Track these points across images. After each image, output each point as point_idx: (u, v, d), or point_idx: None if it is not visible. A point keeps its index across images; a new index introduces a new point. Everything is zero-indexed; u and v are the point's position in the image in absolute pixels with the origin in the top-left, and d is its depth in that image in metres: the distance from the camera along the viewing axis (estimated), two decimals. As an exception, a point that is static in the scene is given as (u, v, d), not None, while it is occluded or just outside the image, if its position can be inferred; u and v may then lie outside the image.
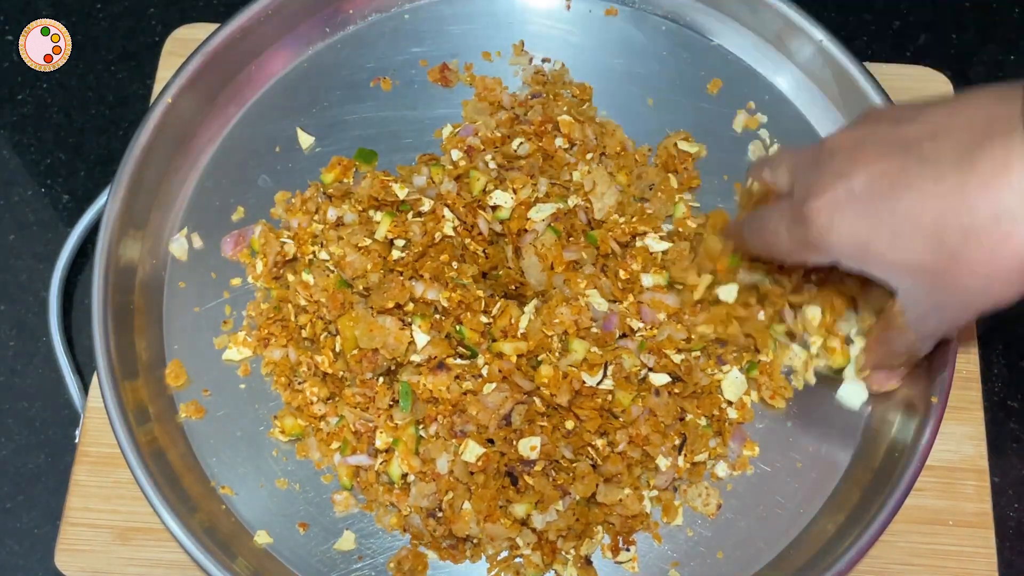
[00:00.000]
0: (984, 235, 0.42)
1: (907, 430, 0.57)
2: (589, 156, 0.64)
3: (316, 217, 0.62)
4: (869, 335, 0.57)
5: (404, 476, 0.56)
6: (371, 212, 0.62)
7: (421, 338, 0.56)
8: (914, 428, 0.57)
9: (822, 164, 0.48)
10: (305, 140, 0.66)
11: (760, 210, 0.54)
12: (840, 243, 0.47)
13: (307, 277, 0.60)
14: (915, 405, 0.58)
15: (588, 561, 0.56)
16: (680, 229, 0.63)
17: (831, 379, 0.60)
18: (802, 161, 0.51)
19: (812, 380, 0.60)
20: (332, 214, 0.62)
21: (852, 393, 0.60)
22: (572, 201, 0.62)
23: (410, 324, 0.57)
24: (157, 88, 0.69)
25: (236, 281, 0.63)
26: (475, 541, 0.56)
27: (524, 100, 0.67)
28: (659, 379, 0.58)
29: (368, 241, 0.59)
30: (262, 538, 0.57)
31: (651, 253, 0.61)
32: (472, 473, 0.55)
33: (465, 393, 0.56)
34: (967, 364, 0.63)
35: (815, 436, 0.59)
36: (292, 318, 0.60)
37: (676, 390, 0.58)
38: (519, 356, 0.57)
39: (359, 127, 0.67)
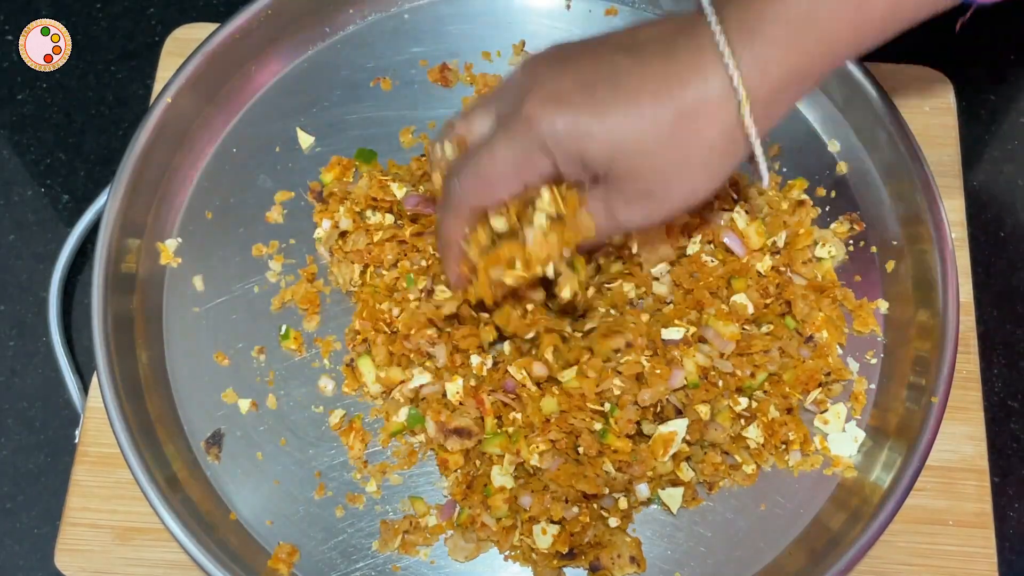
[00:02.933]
0: (689, 117, 0.45)
1: (907, 430, 0.57)
2: None
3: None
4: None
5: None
6: (368, 212, 0.62)
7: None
8: (914, 428, 0.57)
9: (530, 79, 0.47)
10: (305, 140, 0.66)
11: (464, 155, 0.51)
12: (565, 131, 0.46)
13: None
14: (915, 405, 0.58)
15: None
16: None
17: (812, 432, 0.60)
18: (502, 91, 0.50)
19: None
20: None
21: (841, 443, 0.59)
22: None
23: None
24: (157, 88, 0.69)
25: (238, 282, 0.63)
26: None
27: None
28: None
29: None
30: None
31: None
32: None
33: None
34: (967, 364, 0.63)
35: (815, 436, 0.59)
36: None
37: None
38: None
39: (359, 127, 0.67)
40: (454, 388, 0.57)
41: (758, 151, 0.46)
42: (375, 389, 0.59)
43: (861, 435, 0.59)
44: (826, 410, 0.59)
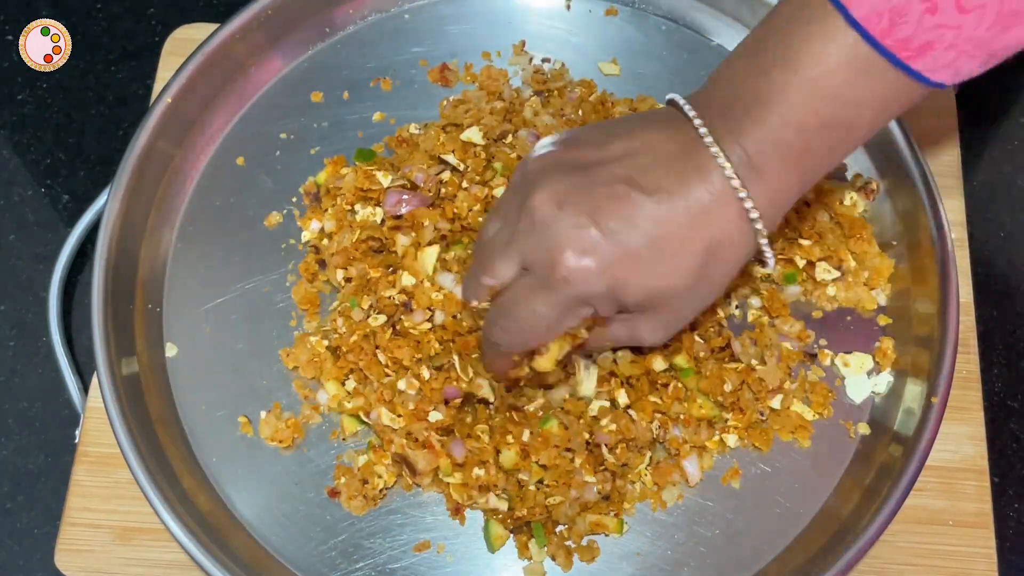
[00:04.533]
0: (715, 253, 0.47)
1: (907, 430, 0.58)
2: None
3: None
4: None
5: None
6: (358, 206, 0.62)
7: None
8: (914, 428, 0.57)
9: (548, 224, 0.47)
10: (305, 140, 0.66)
11: (495, 307, 0.51)
12: (605, 288, 0.47)
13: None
14: (915, 405, 0.58)
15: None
16: None
17: (832, 377, 0.60)
18: (519, 238, 0.49)
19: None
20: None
21: (856, 387, 0.60)
22: None
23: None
24: (157, 88, 0.69)
25: (238, 282, 0.63)
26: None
27: (524, 100, 0.66)
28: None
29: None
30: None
31: None
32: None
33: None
34: (967, 364, 0.63)
35: (815, 436, 0.59)
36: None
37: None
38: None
39: (359, 127, 0.67)
40: (389, 416, 0.57)
41: (768, 253, 0.49)
42: (329, 403, 0.59)
43: (889, 379, 0.60)
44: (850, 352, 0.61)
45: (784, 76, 0.44)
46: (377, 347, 0.58)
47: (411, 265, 0.59)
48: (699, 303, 0.51)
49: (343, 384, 0.59)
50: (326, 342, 0.59)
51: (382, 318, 0.58)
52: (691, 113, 0.47)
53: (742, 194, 0.46)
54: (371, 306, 0.59)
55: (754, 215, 0.46)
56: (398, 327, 0.58)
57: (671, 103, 0.49)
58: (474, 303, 0.53)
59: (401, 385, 0.57)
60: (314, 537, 0.57)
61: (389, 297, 0.58)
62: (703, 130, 0.46)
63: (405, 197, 0.60)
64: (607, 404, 0.57)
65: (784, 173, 0.46)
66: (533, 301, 0.49)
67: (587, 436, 0.56)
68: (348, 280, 0.61)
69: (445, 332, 0.58)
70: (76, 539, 0.58)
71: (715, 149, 0.46)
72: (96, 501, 0.59)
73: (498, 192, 0.61)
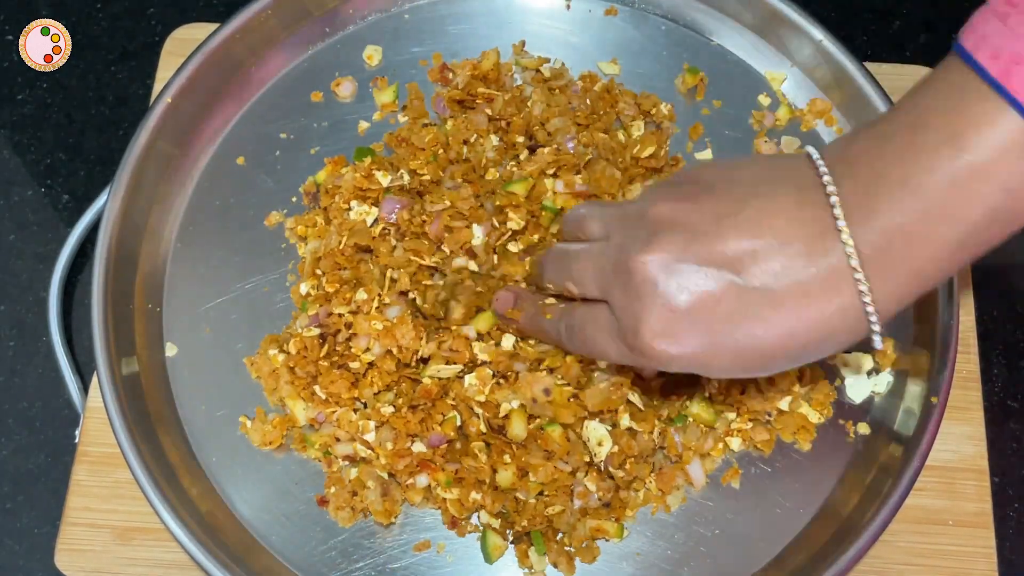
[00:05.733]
0: (817, 346, 0.44)
1: (907, 430, 0.58)
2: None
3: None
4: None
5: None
6: (354, 203, 0.62)
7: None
8: (914, 428, 0.57)
9: (646, 290, 0.45)
10: (305, 140, 0.66)
11: (566, 309, 0.52)
12: (679, 365, 0.46)
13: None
14: (915, 405, 0.58)
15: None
16: None
17: (832, 377, 0.60)
18: (614, 277, 0.47)
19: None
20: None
21: (856, 387, 0.60)
22: None
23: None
24: (157, 88, 0.69)
25: (238, 282, 0.63)
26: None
27: (526, 96, 0.66)
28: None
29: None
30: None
31: None
32: None
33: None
34: (967, 364, 0.63)
35: (815, 436, 0.59)
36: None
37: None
38: None
39: (359, 127, 0.67)
40: (363, 450, 0.57)
41: (878, 341, 0.45)
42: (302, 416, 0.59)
43: (889, 378, 0.60)
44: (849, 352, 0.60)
45: (943, 161, 0.40)
46: (318, 375, 0.57)
47: (370, 281, 0.59)
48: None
49: (305, 406, 0.58)
50: (282, 356, 0.59)
51: (316, 331, 0.58)
52: (833, 199, 0.43)
53: (863, 287, 0.42)
54: (314, 316, 0.58)
55: (872, 316, 0.43)
56: (340, 350, 0.58)
57: (808, 157, 0.45)
58: (548, 286, 0.53)
59: (369, 436, 0.56)
60: (314, 537, 0.57)
61: (340, 315, 0.58)
62: (841, 223, 0.42)
63: (398, 208, 0.60)
64: (607, 432, 0.56)
65: (905, 276, 0.42)
66: (602, 339, 0.48)
67: (587, 459, 0.56)
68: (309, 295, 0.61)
69: (389, 375, 0.57)
70: (76, 539, 0.58)
71: (851, 250, 0.42)
72: (96, 501, 0.59)
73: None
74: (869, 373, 0.61)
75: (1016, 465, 0.64)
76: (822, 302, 0.43)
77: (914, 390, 0.59)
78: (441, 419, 0.56)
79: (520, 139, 0.64)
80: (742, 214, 0.44)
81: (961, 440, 0.61)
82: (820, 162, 0.44)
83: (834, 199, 0.42)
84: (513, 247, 0.59)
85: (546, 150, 0.62)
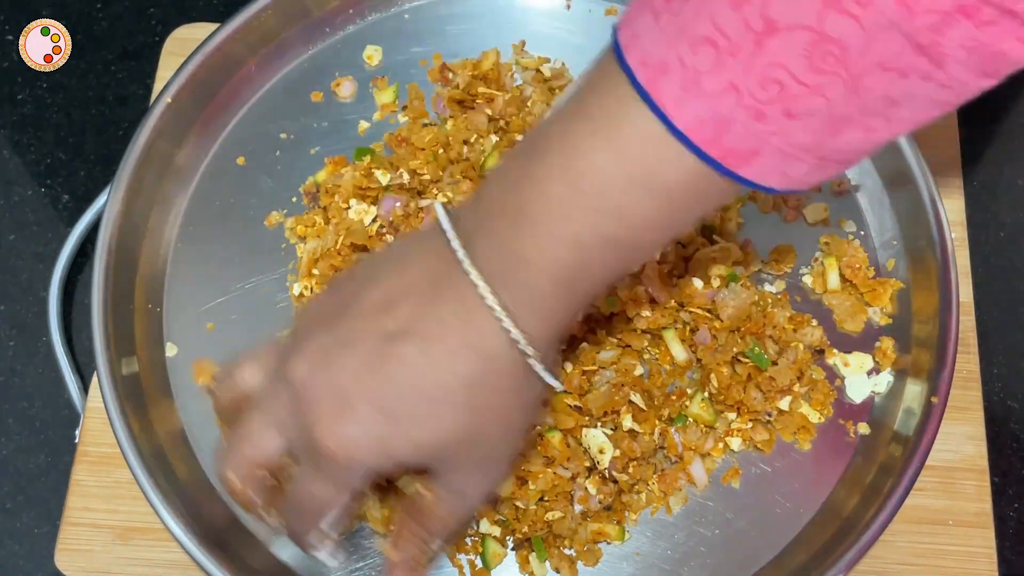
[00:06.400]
0: (487, 396, 0.43)
1: (907, 430, 0.58)
2: None
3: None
4: (398, 537, 0.48)
5: None
6: (353, 202, 0.61)
7: None
8: (914, 428, 0.57)
9: (302, 398, 0.43)
10: (305, 140, 0.66)
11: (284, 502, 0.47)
12: (371, 457, 0.43)
13: None
14: (915, 405, 0.58)
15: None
16: None
17: (832, 377, 0.60)
18: (277, 411, 0.45)
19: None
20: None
21: (856, 386, 0.60)
22: None
23: None
24: (157, 88, 0.69)
25: (238, 282, 0.63)
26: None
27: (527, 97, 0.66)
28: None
29: None
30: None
31: None
32: None
33: None
34: (967, 364, 0.63)
35: (815, 436, 0.59)
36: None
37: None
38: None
39: (359, 127, 0.67)
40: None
41: (548, 377, 0.44)
42: None
43: (889, 378, 0.60)
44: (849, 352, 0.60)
45: (569, 185, 0.39)
46: None
47: None
48: (500, 439, 0.45)
49: None
50: None
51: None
52: (449, 233, 0.42)
53: (498, 314, 0.41)
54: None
55: (516, 336, 0.41)
56: None
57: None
58: (233, 478, 0.46)
59: None
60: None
61: None
62: (460, 252, 0.42)
63: (397, 204, 0.60)
64: (607, 436, 0.56)
65: (552, 303, 0.42)
66: (305, 481, 0.44)
67: (587, 464, 0.56)
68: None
69: None
70: (76, 539, 0.58)
71: (474, 275, 0.41)
72: (96, 501, 0.59)
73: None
74: (869, 373, 0.61)
75: (1016, 465, 0.64)
76: (464, 331, 0.42)
77: (914, 390, 0.59)
78: None
79: (520, 139, 0.64)
80: (377, 282, 0.44)
81: (961, 440, 0.61)
82: (440, 211, 0.44)
83: (450, 233, 0.42)
84: None
85: None
